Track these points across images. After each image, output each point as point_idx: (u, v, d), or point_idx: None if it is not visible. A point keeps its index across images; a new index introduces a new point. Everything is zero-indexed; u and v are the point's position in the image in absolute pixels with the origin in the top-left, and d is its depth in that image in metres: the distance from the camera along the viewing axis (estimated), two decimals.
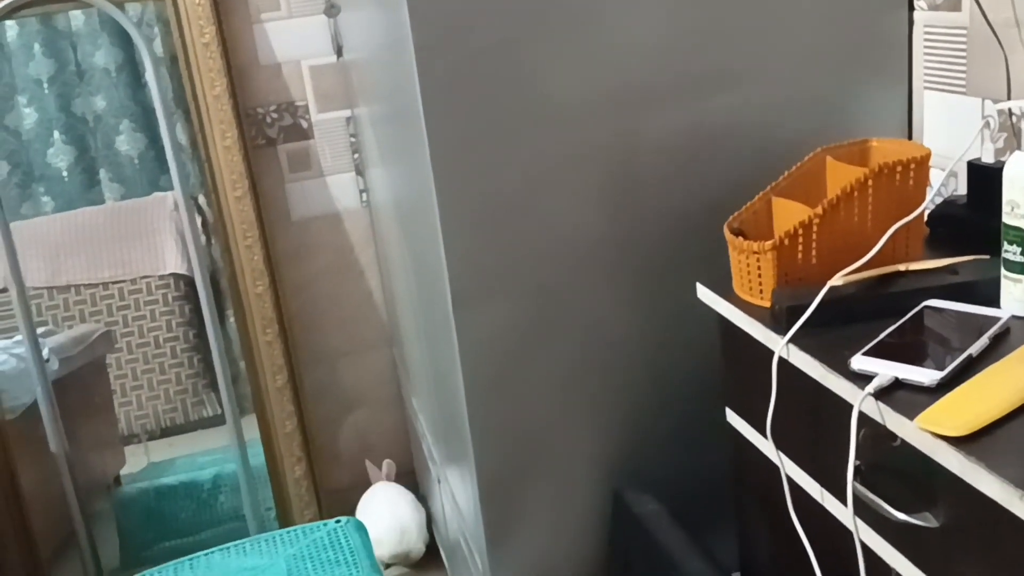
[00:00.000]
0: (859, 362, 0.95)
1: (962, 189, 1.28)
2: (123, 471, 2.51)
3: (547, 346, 1.41)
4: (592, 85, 1.32)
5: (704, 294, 1.25)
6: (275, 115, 2.22)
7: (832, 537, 1.05)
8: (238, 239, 2.15)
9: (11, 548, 2.15)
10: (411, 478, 2.41)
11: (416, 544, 2.23)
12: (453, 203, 1.32)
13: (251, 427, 2.27)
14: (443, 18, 1.25)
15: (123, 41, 2.29)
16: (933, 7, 1.36)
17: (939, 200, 1.36)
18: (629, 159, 1.36)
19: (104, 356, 2.46)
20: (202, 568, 1.91)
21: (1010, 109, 0.97)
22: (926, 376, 0.90)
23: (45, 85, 2.32)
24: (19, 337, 2.20)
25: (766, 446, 1.15)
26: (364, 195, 2.30)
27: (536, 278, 1.38)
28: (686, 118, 1.36)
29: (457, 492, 1.67)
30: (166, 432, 2.52)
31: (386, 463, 2.35)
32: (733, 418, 1.28)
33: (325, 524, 2.00)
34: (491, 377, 1.40)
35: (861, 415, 0.92)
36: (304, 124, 2.23)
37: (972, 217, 1.20)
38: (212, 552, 1.96)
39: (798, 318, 1.04)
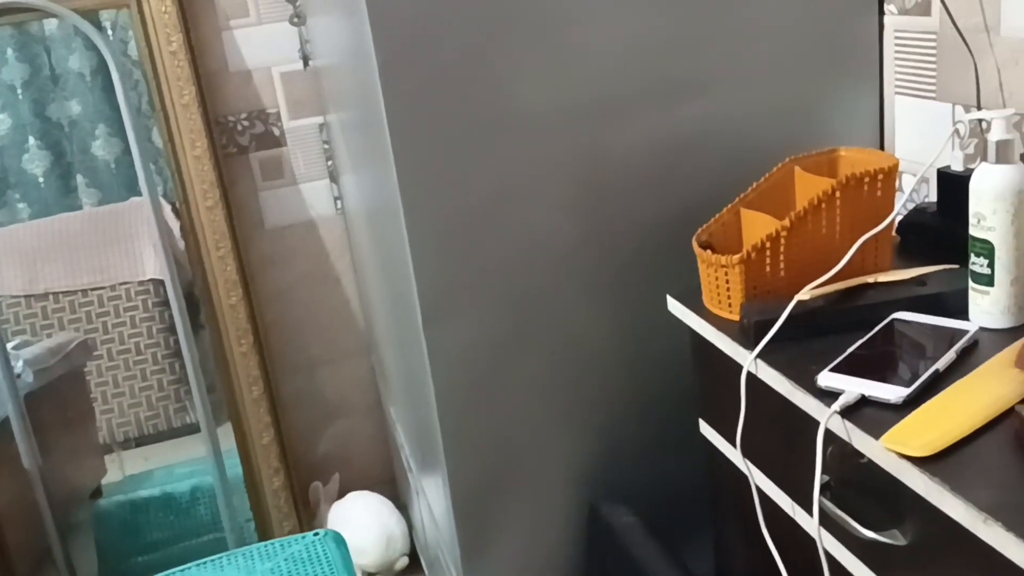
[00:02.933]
0: (826, 379, 0.94)
1: (934, 195, 1.27)
2: (109, 478, 2.49)
3: (519, 358, 1.40)
4: (560, 95, 1.30)
5: (675, 307, 1.23)
6: (246, 123, 2.19)
7: (804, 550, 1.04)
8: (211, 249, 2.12)
9: None
10: (391, 487, 2.40)
11: (402, 552, 2.22)
12: (420, 215, 1.30)
13: (229, 435, 2.25)
14: (406, 29, 1.23)
15: (101, 37, 2.27)
16: (903, 11, 1.35)
17: (911, 206, 1.36)
18: (599, 169, 1.35)
19: (82, 366, 2.44)
20: None
21: (987, 118, 0.96)
22: (892, 393, 0.89)
23: (19, 90, 2.29)
24: None
25: (739, 459, 1.14)
26: (338, 202, 2.28)
27: (507, 290, 1.36)
28: (655, 127, 1.35)
29: (433, 503, 1.66)
30: (148, 439, 2.49)
31: (332, 479, 2.34)
32: (706, 430, 1.27)
33: (303, 537, 1.98)
34: (463, 389, 1.38)
35: (828, 432, 0.91)
36: (276, 131, 2.21)
37: (942, 225, 1.19)
38: (188, 568, 1.94)
39: (766, 332, 1.03)
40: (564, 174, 1.34)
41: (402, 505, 2.31)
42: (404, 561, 2.22)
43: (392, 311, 1.70)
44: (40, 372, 2.27)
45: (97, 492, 2.48)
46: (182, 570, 1.92)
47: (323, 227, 2.29)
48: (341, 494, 2.34)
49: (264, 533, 2.28)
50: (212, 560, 1.97)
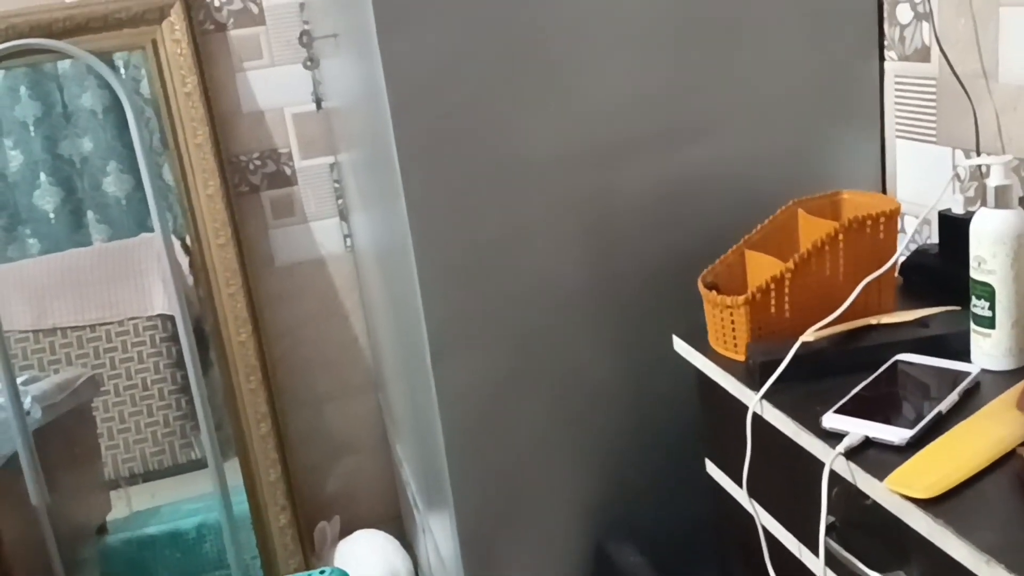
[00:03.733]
0: (830, 420, 0.95)
1: (936, 237, 1.29)
2: (114, 514, 2.49)
3: (527, 396, 1.41)
4: (568, 139, 1.33)
5: (680, 347, 1.25)
6: (258, 162, 2.22)
7: None
8: (221, 286, 2.14)
9: None
10: (398, 525, 2.39)
11: None
12: (430, 253, 1.33)
13: (236, 471, 2.26)
14: (418, 73, 1.26)
15: (116, 78, 2.31)
16: (903, 57, 1.38)
17: (914, 247, 1.37)
18: (606, 212, 1.37)
19: (90, 401, 2.45)
20: None
21: (986, 164, 0.98)
22: (896, 435, 0.90)
23: (31, 127, 2.33)
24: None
25: (744, 498, 1.15)
26: (348, 240, 2.31)
27: (515, 329, 1.38)
28: (661, 171, 1.37)
29: (439, 540, 1.66)
30: (154, 475, 2.49)
31: (333, 521, 2.33)
32: (712, 469, 1.27)
33: (309, 575, 1.98)
34: (470, 425, 1.40)
35: (832, 473, 0.92)
36: (288, 171, 2.24)
37: (944, 267, 1.20)
38: None
39: (771, 373, 1.05)
40: (572, 216, 1.36)
41: (408, 543, 2.31)
42: None
43: (400, 348, 1.72)
44: (48, 408, 2.29)
45: (103, 528, 2.48)
46: None
47: (332, 265, 2.31)
48: (345, 532, 2.34)
49: (270, 570, 2.28)
50: None
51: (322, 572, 1.98)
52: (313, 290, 2.32)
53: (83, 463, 2.46)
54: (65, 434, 2.35)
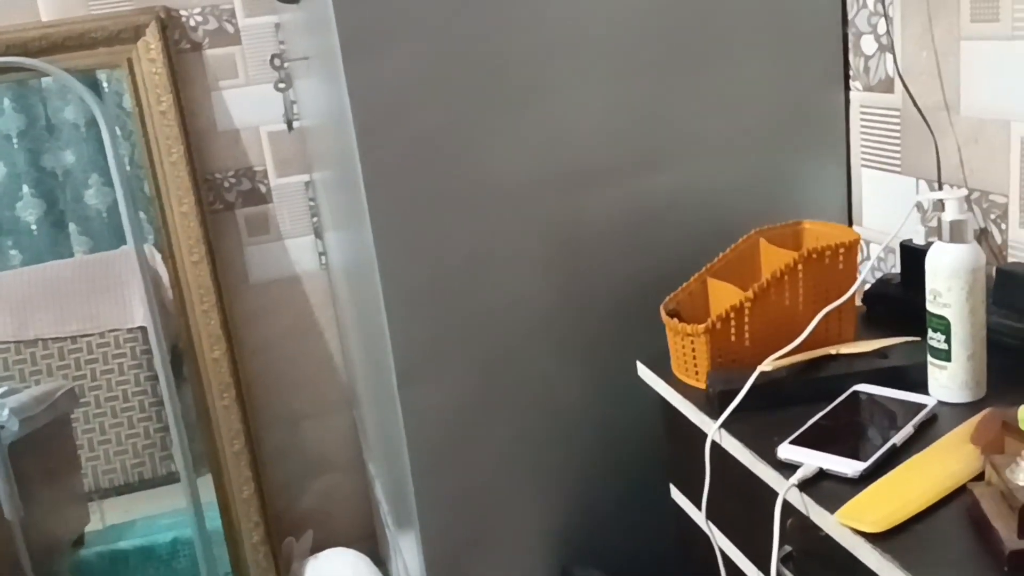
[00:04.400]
0: (785, 451, 0.95)
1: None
2: (92, 526, 2.48)
3: (493, 420, 1.41)
4: (534, 166, 1.34)
5: (644, 373, 1.25)
6: (233, 180, 2.22)
7: None
8: (195, 303, 2.14)
9: None
10: (372, 544, 2.39)
11: None
12: (396, 276, 1.33)
13: (210, 487, 2.25)
14: (384, 99, 1.27)
15: (92, 97, 2.31)
16: (868, 88, 1.39)
17: (880, 274, 1.38)
18: (573, 237, 1.37)
19: (68, 414, 2.44)
20: None
21: (940, 198, 0.99)
22: (849, 467, 0.91)
23: (15, 140, 2.33)
24: None
25: (704, 523, 1.16)
26: (323, 257, 2.31)
27: (482, 351, 1.38)
28: (627, 198, 1.38)
29: (407, 561, 1.66)
30: (133, 487, 2.48)
31: (305, 536, 2.33)
32: (676, 494, 1.28)
33: None
34: (437, 449, 1.40)
35: (786, 504, 0.93)
36: (263, 188, 2.24)
37: (906, 297, 1.21)
38: None
39: (730, 402, 1.05)
40: (539, 240, 1.37)
41: (380, 561, 2.30)
42: None
43: (369, 369, 1.72)
44: (26, 420, 2.28)
45: (79, 541, 2.47)
46: None
47: (307, 282, 2.31)
48: (317, 549, 2.33)
49: None
50: None
51: None
52: (288, 307, 2.31)
53: (60, 476, 2.45)
54: (42, 447, 2.34)
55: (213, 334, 2.14)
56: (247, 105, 2.18)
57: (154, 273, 2.24)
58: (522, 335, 1.39)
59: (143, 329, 2.41)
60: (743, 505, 1.08)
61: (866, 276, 1.35)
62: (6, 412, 2.18)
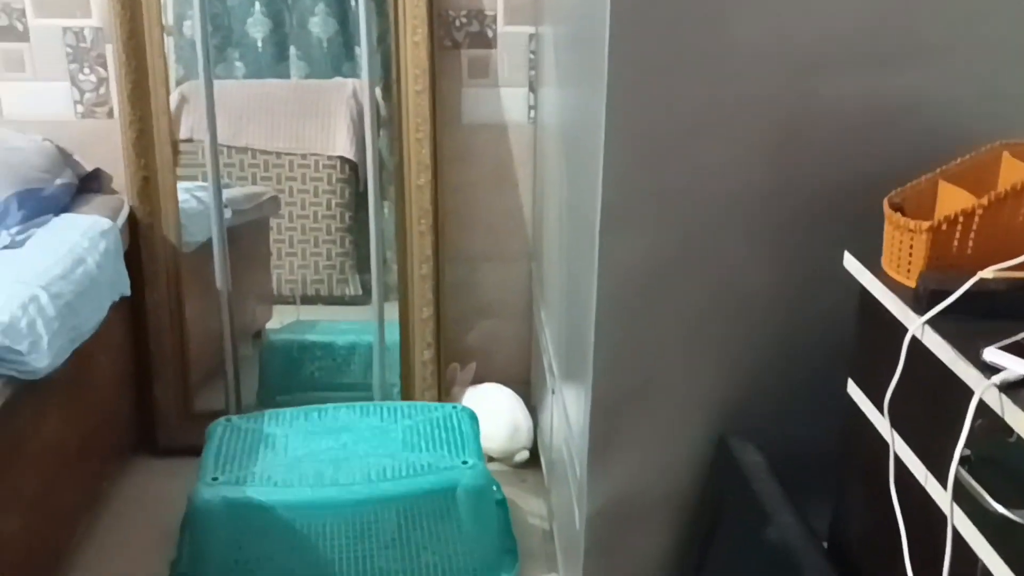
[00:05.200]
0: (992, 354, 0.95)
1: None
2: (272, 324, 2.72)
3: (683, 285, 1.45)
4: (778, 37, 1.33)
5: (850, 263, 1.26)
6: (464, 20, 2.29)
7: (927, 522, 1.06)
8: (410, 131, 2.25)
9: (169, 367, 2.39)
10: (525, 388, 2.51)
11: (525, 444, 2.34)
12: (620, 132, 1.36)
13: (389, 311, 2.42)
14: None
15: None
16: None
17: None
18: (798, 118, 1.37)
19: (268, 218, 2.65)
20: (329, 417, 2.08)
21: None
22: None
23: None
24: (202, 183, 2.39)
25: (881, 423, 1.17)
26: (532, 112, 2.36)
27: (685, 217, 1.42)
28: (865, 88, 1.35)
29: (569, 405, 1.76)
30: (309, 300, 2.70)
31: (469, 366, 2.45)
32: (853, 390, 1.29)
33: (443, 406, 2.14)
34: (623, 305, 1.45)
35: (981, 403, 0.93)
36: (489, 33, 2.30)
37: None
38: (340, 406, 2.13)
39: (940, 302, 1.05)
40: (764, 117, 1.37)
41: (531, 407, 2.43)
42: (525, 455, 2.35)
43: (567, 222, 1.78)
44: (237, 212, 2.49)
45: (258, 335, 2.72)
46: (335, 407, 2.11)
47: (513, 132, 2.38)
48: (476, 382, 2.48)
49: (407, 398, 2.45)
50: (361, 405, 2.14)
51: (454, 407, 2.12)
52: (492, 154, 2.40)
53: (257, 269, 2.68)
54: (246, 239, 2.56)
55: (422, 162, 2.25)
56: None
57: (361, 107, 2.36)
58: (728, 208, 1.41)
59: (341, 159, 2.56)
60: (927, 405, 1.08)
61: None
62: (224, 198, 2.39)
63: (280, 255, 2.67)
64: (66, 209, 2.22)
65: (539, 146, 2.31)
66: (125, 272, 2.22)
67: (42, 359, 1.71)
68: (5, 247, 1.99)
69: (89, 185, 2.36)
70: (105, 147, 2.35)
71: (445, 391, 2.46)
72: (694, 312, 1.47)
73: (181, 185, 2.37)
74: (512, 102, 2.36)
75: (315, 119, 2.59)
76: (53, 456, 1.86)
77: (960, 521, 0.99)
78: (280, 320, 2.70)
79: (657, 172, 1.39)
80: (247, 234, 2.55)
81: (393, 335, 2.42)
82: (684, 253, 1.44)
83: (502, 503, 2.13)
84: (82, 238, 2.06)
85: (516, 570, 1.99)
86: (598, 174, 1.40)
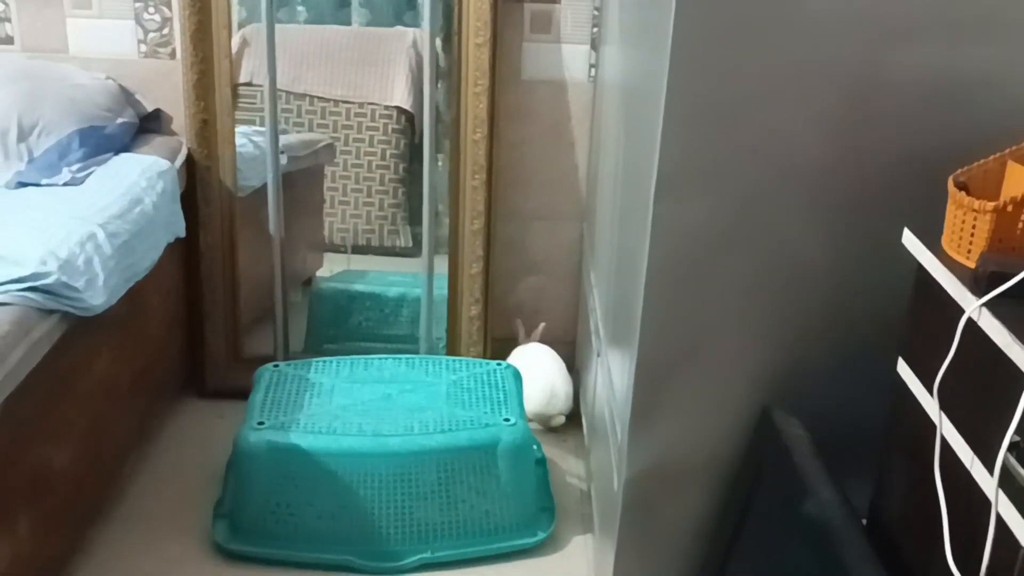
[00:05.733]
0: None
1: None
2: (322, 272, 2.75)
3: (735, 253, 1.44)
4: (850, 3, 1.29)
5: (909, 240, 1.23)
6: None
7: (970, 506, 1.05)
8: (469, 85, 2.24)
9: (220, 310, 2.43)
10: (568, 349, 2.52)
11: (561, 410, 2.34)
12: (681, 95, 1.34)
13: (438, 265, 2.43)
14: None
15: None
16: None
17: None
18: (866, 88, 1.33)
19: (323, 166, 2.67)
20: (375, 368, 2.11)
21: None
22: None
23: None
24: (259, 128, 2.41)
25: (929, 404, 1.16)
26: (592, 70, 2.33)
27: (742, 187, 1.40)
28: (937, 60, 1.31)
29: (614, 368, 1.76)
30: (359, 250, 2.72)
31: (540, 326, 2.45)
32: (903, 369, 1.28)
33: (488, 363, 2.15)
34: (674, 270, 1.44)
35: None
36: None
37: None
38: (386, 357, 2.16)
39: (999, 285, 1.03)
40: (832, 86, 1.34)
41: (574, 369, 2.43)
42: (561, 420, 2.34)
43: (622, 184, 1.77)
44: (292, 159, 2.51)
45: (308, 282, 2.75)
46: (380, 358, 2.14)
47: (572, 90, 2.36)
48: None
49: (452, 353, 2.47)
50: (407, 357, 2.17)
51: (499, 364, 2.14)
52: (550, 111, 2.38)
53: (310, 216, 2.70)
54: (301, 185, 2.58)
55: (479, 117, 2.24)
56: None
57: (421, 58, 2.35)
58: (787, 178, 1.39)
59: (398, 110, 2.56)
60: (979, 389, 1.07)
61: None
62: (281, 144, 2.41)
63: (333, 203, 2.69)
64: (126, 148, 2.26)
65: (597, 106, 2.29)
66: (181, 214, 2.26)
67: (97, 296, 1.75)
68: (66, 183, 2.03)
69: (149, 125, 2.39)
70: (166, 88, 2.38)
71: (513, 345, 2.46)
72: (745, 282, 1.45)
73: (239, 129, 2.39)
74: (573, 59, 2.33)
75: (374, 68, 2.59)
76: (104, 393, 1.91)
77: (1004, 508, 0.98)
78: (330, 268, 2.72)
79: (717, 138, 1.37)
80: (301, 181, 2.57)
81: (441, 289, 2.43)
82: (739, 221, 1.42)
83: (542, 462, 2.15)
84: (140, 178, 2.10)
85: (552, 528, 2.01)
86: (656, 138, 1.38)
